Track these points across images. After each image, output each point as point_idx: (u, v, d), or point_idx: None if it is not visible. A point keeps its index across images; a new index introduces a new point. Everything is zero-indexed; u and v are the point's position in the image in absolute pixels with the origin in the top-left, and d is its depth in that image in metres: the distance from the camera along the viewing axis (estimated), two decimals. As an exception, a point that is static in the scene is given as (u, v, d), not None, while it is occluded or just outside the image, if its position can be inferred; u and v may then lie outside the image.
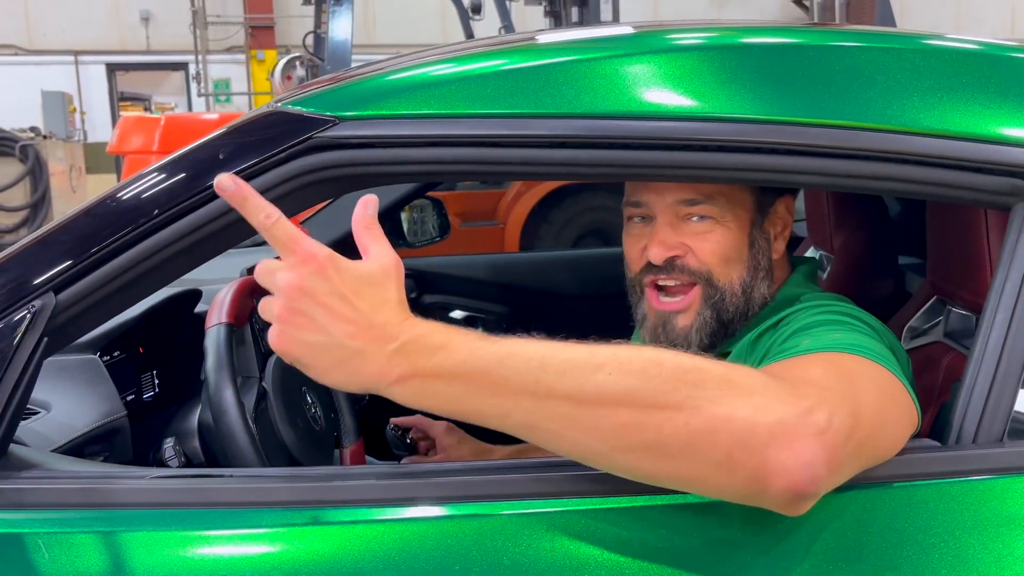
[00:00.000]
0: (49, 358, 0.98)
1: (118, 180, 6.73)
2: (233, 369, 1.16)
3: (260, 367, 1.27)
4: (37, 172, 9.19)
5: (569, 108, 0.93)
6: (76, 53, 12.69)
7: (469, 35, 7.47)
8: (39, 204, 9.22)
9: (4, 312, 0.92)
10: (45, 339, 0.92)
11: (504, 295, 2.43)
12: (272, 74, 6.62)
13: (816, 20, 13.80)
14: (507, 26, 7.05)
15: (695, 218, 1.05)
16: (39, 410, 1.20)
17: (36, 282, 0.93)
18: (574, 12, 6.81)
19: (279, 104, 1.02)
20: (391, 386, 0.74)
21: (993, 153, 0.90)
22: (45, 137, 9.70)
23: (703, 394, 0.72)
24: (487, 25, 7.44)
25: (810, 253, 1.74)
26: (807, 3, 15.08)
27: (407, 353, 0.74)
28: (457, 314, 2.45)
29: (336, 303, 0.74)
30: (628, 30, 1.20)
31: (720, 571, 0.82)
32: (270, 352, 1.37)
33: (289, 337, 0.74)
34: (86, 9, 12.71)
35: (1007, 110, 0.93)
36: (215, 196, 0.91)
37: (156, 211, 0.94)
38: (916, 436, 0.90)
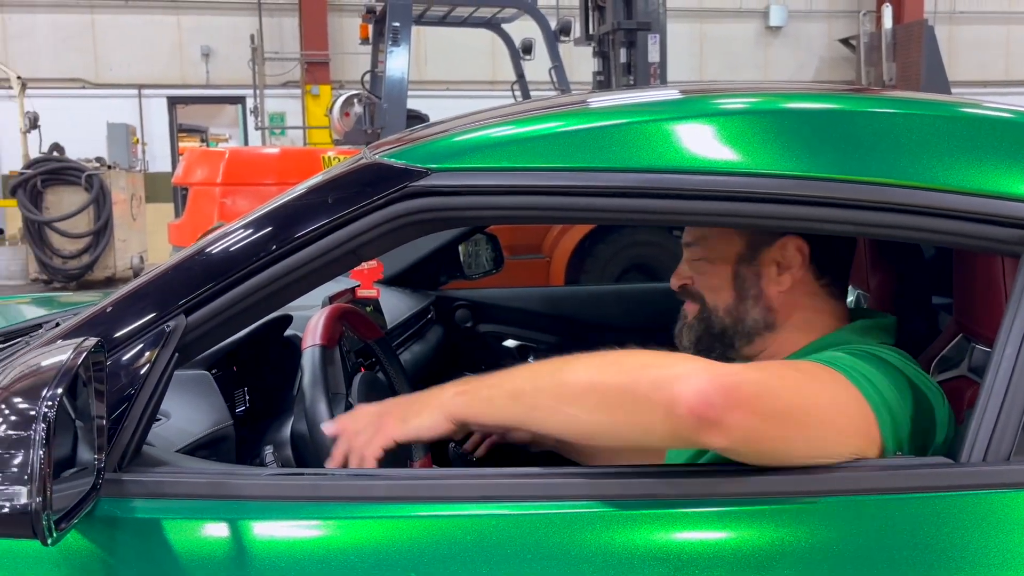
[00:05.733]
0: (177, 373, 1.12)
1: (176, 210, 7.01)
2: (326, 385, 1.30)
3: (347, 385, 1.39)
4: (101, 201, 9.50)
5: (628, 163, 1.07)
6: (140, 87, 13.17)
7: (519, 75, 7.68)
8: (101, 232, 9.53)
9: (144, 331, 1.07)
10: (176, 355, 1.07)
11: (555, 326, 2.54)
12: (330, 111, 6.88)
13: (863, 59, 13.84)
14: (557, 66, 7.24)
15: (696, 258, 1.31)
16: (161, 417, 1.33)
17: (170, 305, 1.08)
18: (622, 53, 6.99)
19: (376, 156, 1.16)
20: (453, 397, 1.08)
21: (1002, 208, 1.03)
22: (109, 167, 10.02)
23: (630, 363, 0.98)
24: (537, 65, 7.64)
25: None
26: (854, 43, 15.14)
27: (462, 391, 1.08)
28: (510, 343, 2.55)
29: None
30: (676, 94, 1.33)
31: (741, 570, 0.94)
32: (355, 371, 1.52)
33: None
34: (150, 45, 13.21)
35: (1016, 170, 1.06)
36: (321, 236, 1.08)
37: (274, 247, 1.09)
38: (934, 454, 1.03)
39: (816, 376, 1.02)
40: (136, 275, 3.83)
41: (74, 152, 10.42)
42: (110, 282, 9.13)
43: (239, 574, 0.98)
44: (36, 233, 9.42)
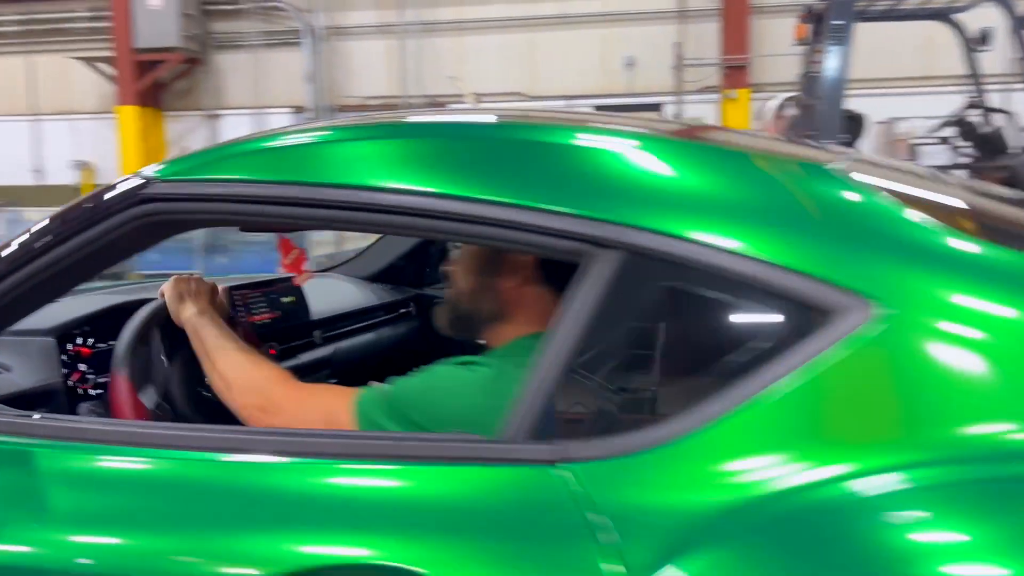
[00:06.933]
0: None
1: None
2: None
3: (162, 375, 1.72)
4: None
5: (303, 178, 1.27)
6: (568, 97, 14.22)
7: (971, 68, 7.02)
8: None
9: None
10: None
11: None
12: (760, 112, 6.85)
13: None
14: (1022, 57, 6.49)
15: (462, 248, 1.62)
16: (2, 371, 1.74)
17: None
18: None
19: (147, 169, 1.38)
20: (195, 316, 1.61)
21: (560, 223, 1.18)
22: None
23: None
24: (995, 57, 6.91)
25: None
26: None
27: (202, 323, 1.60)
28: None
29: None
30: (376, 119, 1.54)
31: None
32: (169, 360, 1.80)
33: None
34: (579, 59, 14.20)
35: (564, 187, 1.22)
36: (73, 236, 1.33)
37: (35, 245, 1.35)
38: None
39: (313, 391, 1.51)
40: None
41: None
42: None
43: None
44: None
